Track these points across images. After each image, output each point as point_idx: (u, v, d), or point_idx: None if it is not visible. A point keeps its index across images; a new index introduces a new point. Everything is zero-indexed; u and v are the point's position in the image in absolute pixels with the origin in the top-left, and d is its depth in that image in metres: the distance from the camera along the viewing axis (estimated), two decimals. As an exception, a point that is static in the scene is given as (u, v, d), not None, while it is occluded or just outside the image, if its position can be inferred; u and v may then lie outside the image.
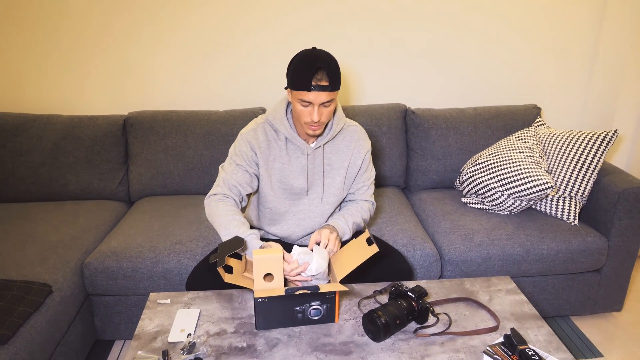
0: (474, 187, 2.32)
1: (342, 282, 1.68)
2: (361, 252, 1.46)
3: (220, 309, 1.52)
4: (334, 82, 1.51)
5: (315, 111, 1.52)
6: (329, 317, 1.43)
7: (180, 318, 1.46)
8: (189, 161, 2.43)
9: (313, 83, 1.48)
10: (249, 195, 1.79)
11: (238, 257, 1.58)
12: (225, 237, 1.56)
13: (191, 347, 1.33)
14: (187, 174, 2.45)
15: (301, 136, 1.69)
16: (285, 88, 1.60)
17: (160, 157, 2.43)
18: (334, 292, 1.39)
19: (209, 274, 1.67)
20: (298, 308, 1.40)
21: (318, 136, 1.69)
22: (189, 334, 1.39)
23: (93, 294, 2.01)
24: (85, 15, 2.48)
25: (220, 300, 1.55)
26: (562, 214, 2.22)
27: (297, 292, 1.36)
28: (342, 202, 1.87)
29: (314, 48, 1.56)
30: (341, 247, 1.64)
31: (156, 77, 2.63)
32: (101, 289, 1.98)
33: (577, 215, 2.20)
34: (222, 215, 1.60)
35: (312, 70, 1.47)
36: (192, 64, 2.61)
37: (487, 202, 2.28)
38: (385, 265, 1.74)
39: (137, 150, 2.44)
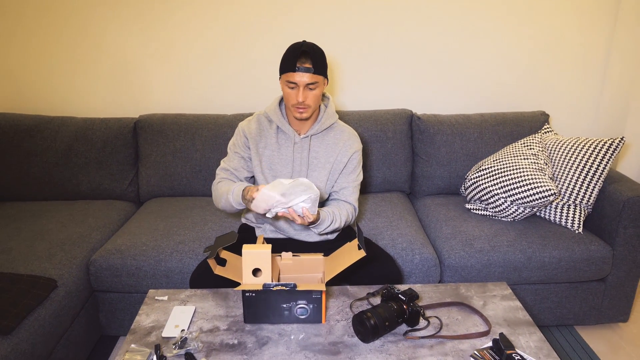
0: (477, 193, 2.32)
1: (332, 283, 1.70)
2: (350, 255, 1.48)
3: (215, 306, 1.55)
4: (317, 65, 1.66)
5: (301, 92, 1.66)
6: (315, 317, 1.45)
7: (176, 314, 1.49)
8: (196, 163, 2.48)
9: (298, 65, 1.64)
10: (251, 179, 1.90)
11: (239, 252, 1.63)
12: (233, 201, 1.69)
13: (183, 342, 1.36)
14: (194, 176, 2.50)
15: (292, 126, 1.82)
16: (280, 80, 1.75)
17: (169, 159, 2.48)
18: (320, 292, 1.41)
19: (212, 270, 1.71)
20: (284, 305, 1.43)
21: (307, 124, 1.82)
22: (183, 330, 1.42)
23: (98, 290, 2.07)
24: (100, 23, 2.57)
25: (216, 299, 1.58)
26: (566, 222, 2.20)
27: (274, 288, 1.40)
28: (325, 202, 1.92)
29: (303, 40, 1.73)
30: (331, 252, 1.66)
31: (166, 82, 2.70)
32: (106, 286, 2.03)
33: (581, 223, 2.18)
34: (224, 188, 1.76)
35: (297, 53, 1.64)
36: (201, 68, 2.67)
37: (490, 208, 2.27)
38: (375, 268, 1.76)
39: (147, 152, 2.50)
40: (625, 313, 2.26)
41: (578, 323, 2.26)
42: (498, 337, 1.34)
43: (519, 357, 1.27)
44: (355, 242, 1.53)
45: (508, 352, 1.29)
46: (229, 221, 2.26)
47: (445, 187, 2.56)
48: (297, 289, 1.40)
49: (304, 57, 1.64)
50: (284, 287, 1.39)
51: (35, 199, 2.53)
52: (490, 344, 1.38)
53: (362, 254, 1.44)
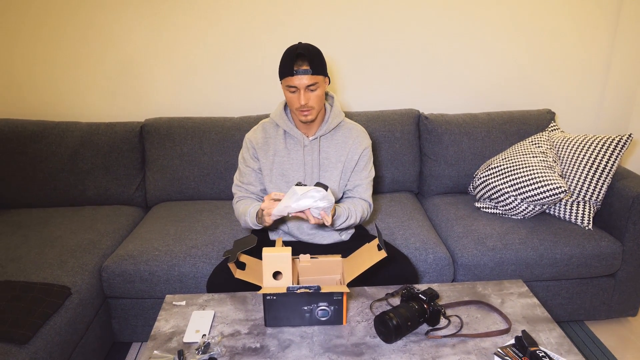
0: (487, 191, 2.33)
1: (352, 284, 1.70)
2: (371, 256, 1.48)
3: (234, 310, 1.54)
4: (315, 66, 1.65)
5: (302, 95, 1.66)
6: (336, 318, 1.45)
7: (196, 319, 1.49)
8: (204, 167, 2.47)
9: (295, 68, 1.63)
10: (265, 191, 1.89)
11: (258, 256, 1.62)
12: (251, 223, 1.74)
13: (206, 347, 1.35)
14: (202, 180, 2.49)
15: (300, 129, 1.82)
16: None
17: (176, 163, 2.47)
18: (341, 294, 1.41)
19: (230, 274, 1.70)
20: (305, 308, 1.42)
21: (315, 125, 1.81)
22: (204, 335, 1.42)
23: (111, 296, 2.05)
24: (103, 27, 2.55)
25: (234, 302, 1.58)
26: (576, 219, 2.21)
27: (298, 291, 1.39)
28: (339, 200, 1.91)
29: (298, 42, 1.72)
30: (349, 253, 1.66)
31: (171, 85, 2.68)
32: (118, 292, 2.02)
33: (591, 219, 2.19)
34: (241, 209, 1.79)
35: (293, 57, 1.64)
36: (207, 71, 2.66)
37: (500, 206, 2.28)
38: (392, 268, 1.77)
39: (154, 157, 2.49)
40: (635, 307, 2.28)
41: (588, 318, 2.28)
42: (520, 335, 1.35)
43: (543, 354, 1.27)
44: (374, 243, 1.53)
45: (532, 349, 1.29)
46: (239, 224, 2.25)
47: (454, 187, 2.57)
48: (321, 291, 1.40)
49: (300, 60, 1.63)
50: (307, 290, 1.39)
51: (41, 205, 2.51)
52: (512, 341, 1.39)
53: (382, 254, 1.44)
